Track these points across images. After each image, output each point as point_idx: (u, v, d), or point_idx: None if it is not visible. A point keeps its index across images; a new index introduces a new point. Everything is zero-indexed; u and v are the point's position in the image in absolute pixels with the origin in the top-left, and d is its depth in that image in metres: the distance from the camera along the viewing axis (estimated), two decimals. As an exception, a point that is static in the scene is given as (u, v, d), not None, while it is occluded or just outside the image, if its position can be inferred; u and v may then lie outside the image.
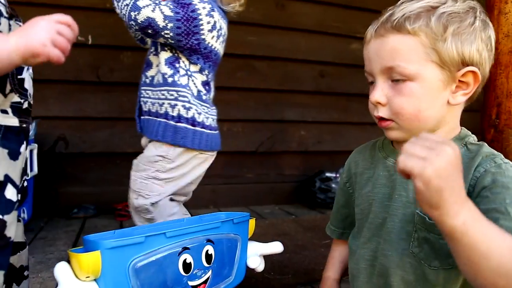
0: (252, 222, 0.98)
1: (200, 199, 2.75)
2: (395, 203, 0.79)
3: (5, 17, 0.81)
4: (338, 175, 2.81)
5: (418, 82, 0.73)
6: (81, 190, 2.52)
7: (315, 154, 3.05)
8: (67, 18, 0.76)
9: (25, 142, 0.85)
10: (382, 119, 0.78)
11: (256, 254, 0.95)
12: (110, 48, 2.51)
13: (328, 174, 2.83)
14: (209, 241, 0.82)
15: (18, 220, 0.91)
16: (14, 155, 0.81)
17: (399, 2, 0.79)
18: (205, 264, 0.82)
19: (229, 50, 2.74)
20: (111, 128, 2.55)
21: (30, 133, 1.36)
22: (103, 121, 2.54)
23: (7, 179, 0.79)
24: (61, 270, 0.67)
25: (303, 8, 2.99)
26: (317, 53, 3.03)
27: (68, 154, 2.48)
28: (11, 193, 0.80)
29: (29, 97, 0.87)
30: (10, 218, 0.80)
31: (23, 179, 0.88)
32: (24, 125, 0.85)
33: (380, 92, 0.76)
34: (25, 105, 0.86)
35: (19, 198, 0.84)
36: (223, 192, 2.82)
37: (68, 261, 0.68)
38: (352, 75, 3.12)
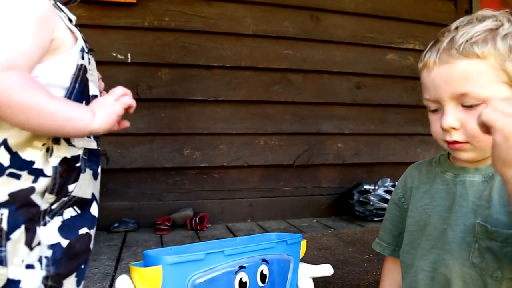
0: (304, 244, 0.97)
1: (238, 213, 2.77)
2: (456, 214, 0.80)
3: (86, 52, 0.88)
4: (376, 187, 2.77)
5: None
6: (122, 205, 2.57)
7: (353, 166, 3.01)
8: (126, 90, 0.87)
9: (100, 163, 0.93)
10: (455, 141, 0.79)
11: (307, 276, 0.94)
12: (148, 66, 2.57)
13: (366, 187, 2.78)
14: (264, 260, 0.82)
15: None
16: (95, 175, 0.90)
17: (453, 27, 0.79)
18: (260, 284, 0.82)
19: (265, 64, 2.80)
20: (150, 143, 2.59)
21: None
22: (142, 137, 2.58)
23: (93, 197, 0.88)
24: (122, 283, 0.69)
25: (338, 20, 2.98)
26: (353, 64, 3.01)
27: (109, 169, 2.53)
28: (95, 209, 0.88)
29: None
30: (94, 233, 0.88)
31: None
32: (100, 148, 0.93)
33: (452, 118, 0.77)
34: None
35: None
36: (260, 205, 2.82)
37: (129, 275, 0.70)
38: (388, 86, 3.09)
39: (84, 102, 0.87)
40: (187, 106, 2.64)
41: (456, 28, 0.77)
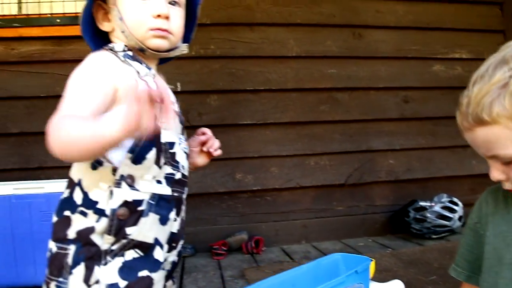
0: (373, 265, 0.96)
1: (292, 235, 2.76)
2: None
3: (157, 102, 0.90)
4: (433, 204, 2.69)
5: None
6: (178, 231, 2.60)
7: (406, 183, 2.95)
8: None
9: (175, 209, 0.94)
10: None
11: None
12: (197, 93, 2.63)
13: (422, 203, 2.71)
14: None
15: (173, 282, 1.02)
16: (164, 220, 0.91)
17: (472, 81, 0.79)
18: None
19: (310, 85, 2.81)
20: (202, 169, 2.61)
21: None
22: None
23: (156, 242, 0.89)
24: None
25: (380, 35, 2.97)
26: (399, 78, 2.98)
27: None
28: (159, 253, 0.90)
29: (181, 168, 0.97)
30: (157, 277, 0.89)
31: (179, 243, 0.98)
32: (176, 194, 0.94)
33: (497, 172, 0.80)
34: (178, 176, 0.95)
35: (174, 260, 0.96)
36: (314, 226, 2.80)
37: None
38: (436, 98, 3.03)
39: (154, 149, 0.90)
40: (237, 131, 2.68)
41: (474, 84, 0.78)
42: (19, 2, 2.56)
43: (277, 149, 2.75)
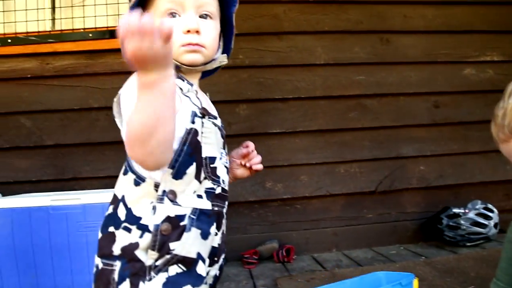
0: (416, 282, 0.95)
1: (322, 243, 2.75)
2: None
3: (199, 116, 0.93)
4: (467, 211, 2.64)
5: None
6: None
7: (438, 189, 2.90)
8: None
9: (215, 224, 0.94)
10: None
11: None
12: (226, 103, 2.65)
13: (455, 210, 2.66)
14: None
15: None
16: (205, 235, 0.91)
17: (507, 92, 0.78)
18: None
19: (339, 92, 2.80)
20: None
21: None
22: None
23: (199, 256, 0.89)
24: None
25: (409, 40, 2.93)
26: (429, 83, 2.93)
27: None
28: (201, 268, 0.90)
29: (221, 183, 0.97)
30: None
31: (221, 256, 0.98)
32: (216, 209, 0.95)
33: None
34: (218, 190, 0.96)
35: (216, 273, 0.96)
36: (344, 234, 2.78)
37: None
38: (468, 102, 2.97)
39: (195, 163, 0.91)
40: (266, 140, 2.69)
41: (510, 95, 0.77)
42: (53, 19, 2.63)
43: (307, 157, 2.74)
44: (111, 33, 2.56)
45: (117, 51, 2.65)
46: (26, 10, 2.57)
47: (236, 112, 2.68)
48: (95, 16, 2.60)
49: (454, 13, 2.99)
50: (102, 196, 2.06)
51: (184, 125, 0.90)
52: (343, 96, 2.80)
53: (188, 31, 0.95)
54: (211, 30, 0.99)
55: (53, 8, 2.66)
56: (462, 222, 2.61)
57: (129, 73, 2.59)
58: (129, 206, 0.91)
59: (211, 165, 0.94)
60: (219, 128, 1.00)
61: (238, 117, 2.67)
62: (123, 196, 0.93)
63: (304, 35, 2.78)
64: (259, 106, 2.71)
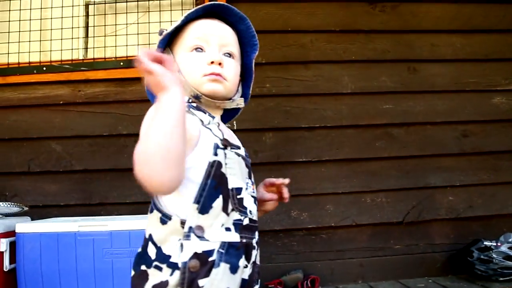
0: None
1: (348, 274, 2.70)
2: None
3: (222, 148, 0.93)
4: (499, 244, 2.56)
5: None
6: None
7: (467, 220, 2.83)
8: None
9: (244, 256, 0.92)
10: None
11: None
12: (253, 131, 2.67)
13: (486, 243, 2.58)
14: None
15: None
16: (234, 269, 0.89)
17: None
18: None
19: (366, 121, 2.78)
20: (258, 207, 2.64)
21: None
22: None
23: None
24: None
25: (436, 69, 2.91)
26: (457, 112, 2.90)
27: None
28: None
29: (249, 214, 0.96)
30: None
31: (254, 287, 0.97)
32: (245, 240, 0.93)
33: None
34: (246, 221, 0.95)
35: None
36: (371, 265, 2.72)
37: None
38: (497, 131, 2.92)
39: (221, 196, 0.91)
40: (292, 168, 2.68)
41: None
42: (86, 48, 2.72)
43: (333, 186, 2.72)
44: (141, 62, 2.62)
45: (147, 79, 2.69)
46: (61, 39, 2.65)
47: (263, 140, 2.68)
48: (126, 45, 2.67)
49: (481, 41, 2.97)
50: (128, 223, 2.07)
51: (206, 158, 0.91)
52: (370, 125, 2.78)
53: (212, 62, 1.00)
54: (233, 67, 1.04)
55: (87, 37, 2.75)
56: (494, 255, 2.53)
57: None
58: (158, 245, 0.91)
59: (238, 196, 0.94)
60: (242, 158, 1.00)
61: (264, 145, 2.68)
62: (150, 235, 0.93)
63: (330, 64, 2.79)
64: (286, 134, 2.72)
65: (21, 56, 2.65)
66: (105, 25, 2.76)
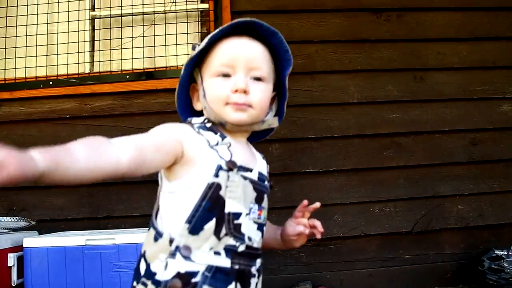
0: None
1: (357, 285, 2.67)
2: None
3: (225, 170, 0.92)
4: (510, 253, 2.52)
5: None
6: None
7: (478, 229, 2.79)
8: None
9: (235, 283, 0.90)
10: None
11: None
12: (259, 142, 2.64)
13: (498, 252, 2.55)
14: None
15: None
16: None
17: None
18: None
19: (373, 131, 2.77)
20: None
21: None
22: (257, 211, 2.63)
23: None
24: None
25: (443, 77, 2.89)
26: (465, 120, 2.87)
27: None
28: None
29: (247, 240, 0.94)
30: None
31: None
32: (237, 267, 0.92)
33: None
34: (241, 248, 0.93)
35: None
36: (380, 275, 2.70)
37: None
38: (507, 139, 2.89)
39: (214, 219, 0.89)
40: (299, 179, 2.67)
41: None
42: (92, 61, 2.73)
43: (340, 196, 2.70)
44: (147, 75, 2.63)
45: (153, 92, 2.72)
46: (67, 53, 2.67)
47: (269, 151, 2.67)
48: (132, 59, 2.68)
49: (489, 48, 2.95)
50: (135, 237, 2.07)
51: (205, 179, 0.90)
52: (377, 134, 2.76)
53: (236, 91, 0.97)
54: (260, 92, 1.00)
55: (93, 51, 2.76)
56: (506, 265, 2.49)
57: (164, 113, 2.65)
58: (148, 261, 0.91)
59: (235, 221, 0.92)
60: (252, 181, 0.97)
61: (271, 156, 2.67)
62: (144, 252, 0.94)
63: (336, 74, 2.78)
64: (292, 145, 2.70)
65: (28, 71, 2.67)
66: (110, 39, 2.77)
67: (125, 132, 2.64)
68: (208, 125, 0.99)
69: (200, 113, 1.06)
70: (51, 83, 2.62)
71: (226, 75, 0.99)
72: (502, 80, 2.94)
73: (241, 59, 0.99)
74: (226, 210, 0.91)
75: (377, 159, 2.74)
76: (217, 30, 0.99)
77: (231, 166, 0.94)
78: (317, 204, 1.13)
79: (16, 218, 2.24)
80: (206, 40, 0.99)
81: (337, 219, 2.69)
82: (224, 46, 1.00)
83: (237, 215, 0.93)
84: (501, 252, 2.55)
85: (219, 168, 0.91)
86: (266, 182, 1.05)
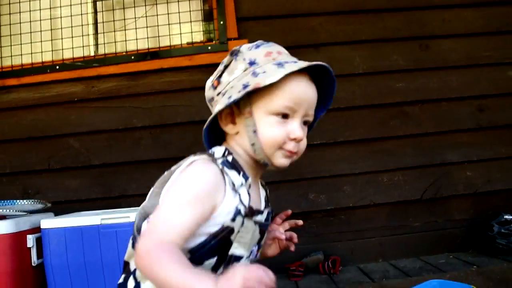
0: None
1: (368, 253, 2.72)
2: None
3: (243, 215, 0.91)
4: (519, 217, 2.55)
5: None
6: (254, 253, 2.64)
7: (486, 195, 2.81)
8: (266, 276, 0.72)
9: None
10: None
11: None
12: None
13: (507, 217, 2.57)
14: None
15: None
16: None
17: None
18: None
19: (379, 101, 2.77)
20: (275, 190, 2.64)
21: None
22: (268, 185, 2.65)
23: None
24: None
25: (448, 44, 2.87)
26: (472, 87, 2.86)
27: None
28: None
29: None
30: None
31: None
32: None
33: None
34: None
35: None
36: (390, 244, 2.74)
37: None
38: (514, 104, 2.88)
39: (216, 257, 0.90)
40: (308, 151, 2.60)
41: None
42: (97, 44, 2.74)
43: (349, 167, 2.72)
44: (152, 55, 2.64)
45: (158, 71, 2.71)
46: (72, 37, 2.68)
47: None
48: (136, 39, 2.69)
49: (494, 13, 2.91)
50: (149, 214, 2.11)
51: (222, 221, 0.89)
52: (383, 104, 2.77)
53: (294, 139, 0.95)
54: (305, 139, 1.00)
55: (96, 33, 2.77)
56: (514, 228, 2.52)
57: (170, 91, 2.63)
58: (138, 280, 0.93)
59: (235, 263, 0.93)
60: (260, 224, 0.98)
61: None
62: (134, 270, 0.95)
63: (341, 46, 2.78)
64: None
65: (34, 56, 2.69)
66: (114, 21, 2.78)
67: (132, 113, 2.68)
68: (229, 158, 0.95)
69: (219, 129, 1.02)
70: (57, 67, 2.64)
71: (285, 116, 0.95)
72: (508, 46, 2.91)
73: (305, 104, 0.96)
74: (230, 252, 0.92)
75: (384, 128, 2.75)
76: (294, 69, 0.92)
77: (249, 213, 0.93)
78: (289, 212, 1.20)
79: (33, 201, 2.28)
80: (281, 73, 0.90)
81: (346, 190, 2.72)
82: (292, 85, 0.94)
83: (239, 258, 0.94)
84: (510, 217, 2.57)
85: (238, 212, 0.90)
86: (269, 220, 1.06)
